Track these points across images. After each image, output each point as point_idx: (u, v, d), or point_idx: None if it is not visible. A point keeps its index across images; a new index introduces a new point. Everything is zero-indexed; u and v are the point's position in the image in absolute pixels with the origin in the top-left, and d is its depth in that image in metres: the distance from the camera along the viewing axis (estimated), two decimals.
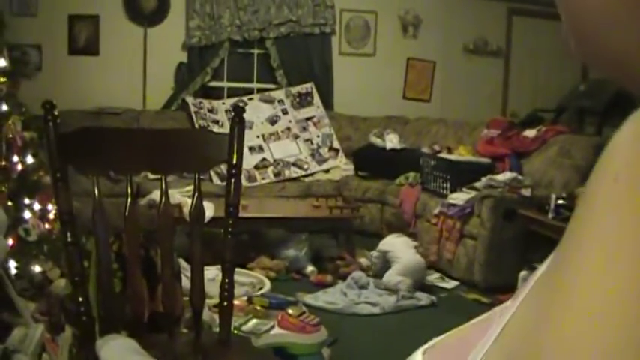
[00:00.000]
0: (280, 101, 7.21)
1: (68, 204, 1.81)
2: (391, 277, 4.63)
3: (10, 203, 3.35)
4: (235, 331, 3.31)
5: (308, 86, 7.36)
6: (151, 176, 5.05)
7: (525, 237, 4.59)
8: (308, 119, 7.21)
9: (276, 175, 6.67)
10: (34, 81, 6.29)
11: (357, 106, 7.50)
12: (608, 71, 0.38)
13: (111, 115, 6.57)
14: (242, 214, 2.21)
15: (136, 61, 7.07)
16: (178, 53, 7.19)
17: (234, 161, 1.94)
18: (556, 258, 0.31)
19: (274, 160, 6.77)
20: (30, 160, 3.66)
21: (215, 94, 7.38)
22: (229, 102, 6.99)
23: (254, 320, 3.70)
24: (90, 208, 1.85)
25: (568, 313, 0.28)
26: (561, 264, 0.30)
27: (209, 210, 3.98)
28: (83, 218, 2.10)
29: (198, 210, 1.97)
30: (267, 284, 4.52)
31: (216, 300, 2.24)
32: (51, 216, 3.66)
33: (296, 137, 7.04)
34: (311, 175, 6.80)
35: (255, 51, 7.59)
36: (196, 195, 1.95)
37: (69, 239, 1.81)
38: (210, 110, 6.92)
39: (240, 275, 4.39)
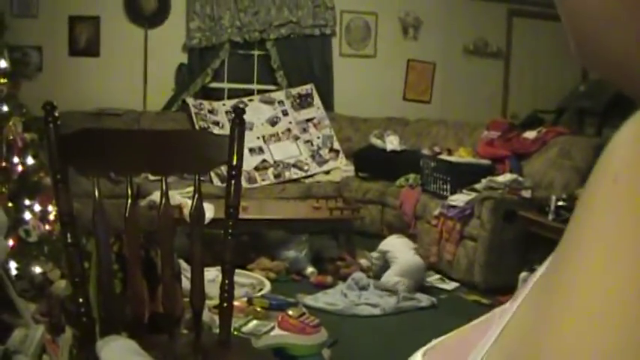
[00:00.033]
0: (280, 102, 7.21)
1: (68, 205, 1.81)
2: (389, 277, 4.64)
3: (10, 204, 3.35)
4: (235, 333, 3.31)
5: (308, 87, 7.37)
6: (152, 177, 5.05)
7: (525, 238, 4.59)
8: (308, 120, 7.21)
9: (276, 176, 6.67)
10: (34, 82, 6.30)
11: (357, 108, 7.50)
12: (607, 72, 0.38)
13: (111, 117, 6.57)
14: (242, 215, 2.22)
15: (137, 63, 7.08)
16: (179, 54, 7.19)
17: (235, 162, 1.94)
18: (555, 259, 0.32)
19: (274, 162, 6.77)
20: (30, 161, 3.66)
21: (215, 95, 7.38)
22: (230, 103, 7.00)
23: (254, 321, 3.70)
24: (90, 209, 1.85)
25: (567, 314, 0.28)
26: (560, 265, 0.30)
27: (209, 211, 3.98)
28: (83, 219, 2.10)
29: (198, 211, 1.97)
30: (268, 285, 4.52)
31: (216, 301, 2.24)
32: (51, 217, 3.66)
33: (296, 138, 7.04)
34: (311, 176, 6.80)
35: (256, 52, 7.60)
36: (196, 196, 1.95)
37: (69, 240, 1.81)
38: (211, 111, 6.93)
39: (241, 276, 4.39)
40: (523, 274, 4.32)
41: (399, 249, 4.76)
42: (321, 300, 4.40)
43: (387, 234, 5.03)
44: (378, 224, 6.08)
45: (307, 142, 7.06)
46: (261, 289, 4.44)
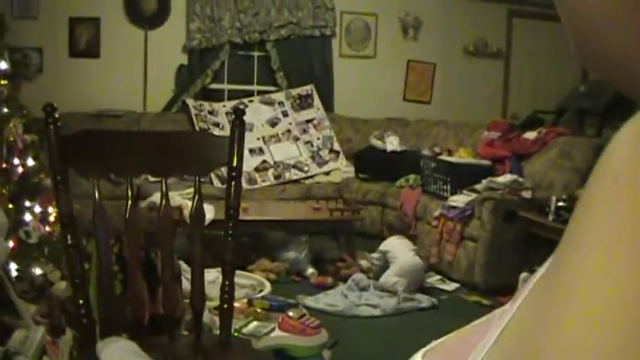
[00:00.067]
0: (280, 103, 7.22)
1: (69, 206, 1.81)
2: (388, 277, 4.64)
3: (10, 206, 3.35)
4: (236, 334, 3.31)
5: (308, 88, 7.37)
6: (152, 178, 5.05)
7: (526, 239, 4.59)
8: (308, 121, 7.21)
9: (276, 177, 6.67)
10: (34, 83, 6.32)
11: (357, 108, 7.50)
12: (607, 73, 0.38)
13: (111, 118, 6.58)
14: (242, 216, 2.22)
15: (137, 64, 7.08)
16: (179, 56, 7.20)
17: (235, 164, 1.94)
18: (555, 260, 0.31)
19: (274, 163, 6.77)
20: (31, 162, 3.66)
21: (215, 96, 7.39)
22: (230, 104, 7.00)
23: (254, 323, 3.70)
24: (90, 210, 1.85)
25: (567, 315, 0.28)
26: (560, 265, 0.30)
27: (209, 212, 3.98)
28: (84, 220, 2.10)
29: (198, 212, 1.97)
30: (268, 287, 4.52)
31: (216, 302, 2.24)
32: (51, 218, 3.66)
33: (296, 139, 7.04)
34: (311, 177, 6.80)
35: (256, 53, 7.60)
36: (197, 197, 1.95)
37: (69, 242, 1.81)
38: (211, 112, 6.93)
39: (241, 278, 4.39)
40: (523, 275, 4.32)
41: (398, 249, 4.76)
42: (321, 301, 4.40)
43: (388, 235, 5.03)
44: (379, 225, 6.08)
45: (307, 143, 7.06)
46: (261, 290, 4.44)
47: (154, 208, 4.43)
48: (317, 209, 5.49)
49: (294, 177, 6.74)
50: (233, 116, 1.99)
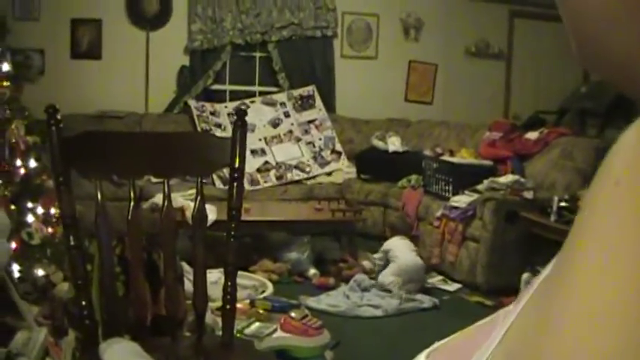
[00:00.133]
0: (282, 104, 7.22)
1: (71, 208, 1.81)
2: (385, 276, 4.65)
3: (12, 207, 3.35)
4: (238, 335, 3.31)
5: (310, 89, 7.37)
6: (154, 179, 5.05)
7: (528, 239, 4.59)
8: (310, 122, 7.21)
9: (278, 178, 6.67)
10: (36, 85, 6.33)
11: (359, 109, 7.50)
12: (608, 74, 0.38)
13: (113, 119, 6.58)
14: (244, 217, 2.22)
15: (139, 65, 7.08)
16: (181, 57, 7.20)
17: (237, 164, 1.95)
18: (558, 261, 0.32)
19: (276, 163, 6.77)
20: (33, 163, 3.66)
21: (217, 97, 7.39)
22: (231, 105, 7.00)
23: (257, 323, 3.71)
24: (93, 211, 1.86)
25: (568, 316, 0.28)
26: (563, 267, 0.30)
27: (212, 213, 3.98)
28: (86, 222, 2.10)
29: (200, 213, 1.97)
30: (270, 287, 4.52)
31: (218, 303, 2.25)
32: (54, 220, 3.66)
33: (298, 140, 7.04)
34: (313, 177, 6.80)
35: (257, 54, 7.60)
36: (199, 198, 1.95)
37: (72, 243, 1.82)
38: (213, 113, 6.93)
39: (243, 278, 4.39)
40: (525, 276, 4.33)
41: (399, 249, 4.77)
42: (323, 302, 4.40)
43: (390, 235, 5.03)
44: (380, 226, 6.08)
45: (309, 143, 7.06)
46: (263, 291, 4.44)
47: (156, 210, 4.43)
48: (319, 210, 5.49)
49: (296, 178, 6.74)
50: (235, 117, 1.99)
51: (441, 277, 5.07)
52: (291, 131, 7.08)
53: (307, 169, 6.84)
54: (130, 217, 1.89)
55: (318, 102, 7.34)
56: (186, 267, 3.10)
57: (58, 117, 1.80)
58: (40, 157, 3.70)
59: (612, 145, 0.31)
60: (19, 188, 3.48)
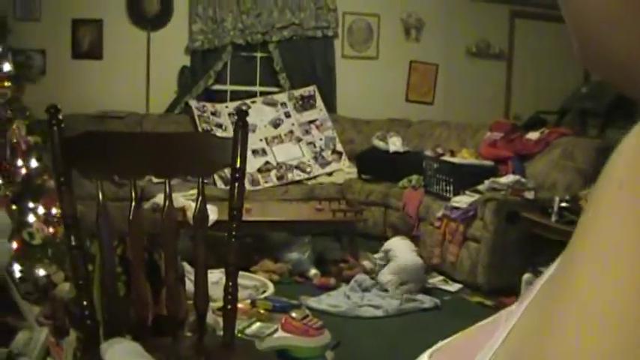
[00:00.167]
0: (283, 104, 7.22)
1: (72, 208, 1.82)
2: (383, 275, 4.66)
3: (14, 207, 3.35)
4: (239, 335, 3.32)
5: (311, 89, 7.37)
6: (155, 180, 5.05)
7: (529, 240, 4.59)
8: (311, 122, 7.22)
9: (279, 178, 6.67)
10: (38, 85, 6.33)
11: (359, 109, 7.51)
12: (609, 74, 0.38)
13: (114, 119, 6.58)
14: (245, 217, 2.22)
15: (140, 65, 7.09)
16: (181, 57, 7.20)
17: (238, 165, 1.95)
18: (562, 261, 0.32)
19: (277, 164, 6.77)
20: (34, 163, 3.66)
21: (218, 97, 7.39)
22: (232, 105, 7.01)
23: (258, 323, 3.71)
24: (94, 211, 1.86)
25: (571, 316, 0.28)
26: (567, 267, 0.30)
27: (213, 213, 3.98)
28: (87, 222, 2.10)
29: (202, 213, 1.97)
30: (271, 287, 4.52)
31: (220, 303, 2.25)
32: (55, 220, 3.66)
33: (299, 140, 7.05)
34: (314, 178, 6.81)
35: (258, 54, 7.61)
36: (200, 199, 1.96)
37: (73, 243, 1.82)
38: (214, 114, 6.93)
39: (244, 278, 4.39)
40: (526, 276, 4.32)
41: (399, 249, 4.78)
42: (324, 302, 4.40)
43: (391, 236, 5.04)
44: (381, 226, 6.08)
45: (310, 143, 7.06)
46: (264, 291, 4.45)
47: (158, 210, 4.43)
48: (320, 210, 5.49)
49: (297, 178, 6.74)
50: (236, 117, 2.00)
51: (441, 278, 5.07)
52: (291, 131, 7.08)
53: (308, 170, 6.84)
54: (131, 217, 1.89)
55: (319, 102, 7.34)
56: (187, 267, 3.10)
57: (60, 117, 1.80)
58: (42, 157, 3.70)
59: (613, 145, 0.31)
60: (21, 188, 3.49)
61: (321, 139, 7.13)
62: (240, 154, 1.95)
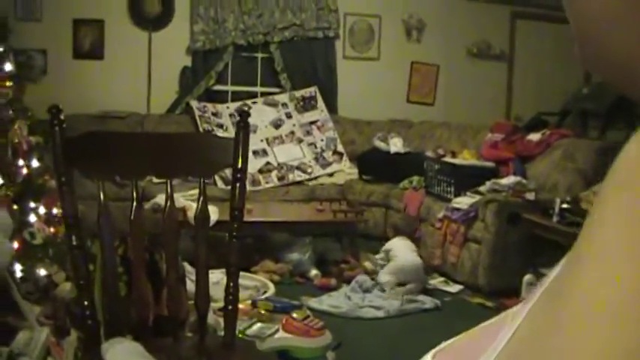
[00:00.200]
0: (284, 105, 7.22)
1: (73, 208, 1.82)
2: (381, 276, 4.67)
3: (15, 207, 3.36)
4: (240, 335, 3.32)
5: (312, 90, 7.37)
6: (156, 180, 5.05)
7: (530, 241, 4.59)
8: (312, 123, 7.22)
9: (280, 178, 6.67)
10: (39, 85, 6.33)
11: (360, 110, 7.51)
12: (609, 75, 0.38)
13: (115, 119, 6.59)
14: (246, 217, 2.22)
15: (141, 66, 7.09)
16: (183, 57, 7.20)
17: (240, 165, 1.95)
18: (567, 263, 0.32)
19: (278, 164, 6.77)
20: (35, 163, 3.67)
21: (219, 98, 7.39)
22: (233, 106, 7.01)
23: (258, 324, 3.71)
24: (94, 211, 1.86)
25: (576, 317, 0.28)
26: (571, 269, 0.31)
27: (214, 214, 3.98)
28: (88, 222, 2.11)
29: (203, 214, 1.97)
30: (272, 288, 4.52)
31: (220, 304, 2.25)
32: (56, 219, 3.66)
33: (300, 141, 7.05)
34: (315, 178, 6.81)
35: (259, 55, 7.60)
36: (201, 199, 1.96)
37: (74, 243, 1.82)
38: (215, 114, 6.94)
39: (245, 279, 4.39)
40: (527, 277, 4.33)
41: (399, 249, 4.79)
42: (325, 302, 4.40)
43: (392, 236, 5.04)
44: (382, 227, 6.08)
45: (311, 144, 7.06)
46: (265, 292, 4.45)
47: (158, 210, 4.44)
48: (320, 211, 5.49)
49: (298, 178, 6.74)
50: (237, 118, 2.00)
51: (442, 279, 5.07)
52: (292, 132, 7.08)
53: (309, 170, 6.84)
54: (132, 217, 1.89)
55: (320, 103, 7.34)
56: (188, 267, 3.10)
57: (61, 117, 1.80)
58: (43, 157, 3.71)
59: (614, 146, 0.31)
60: (22, 188, 3.49)
61: (322, 140, 7.13)
62: (242, 154, 1.95)
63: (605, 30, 0.35)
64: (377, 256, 5.01)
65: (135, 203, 1.90)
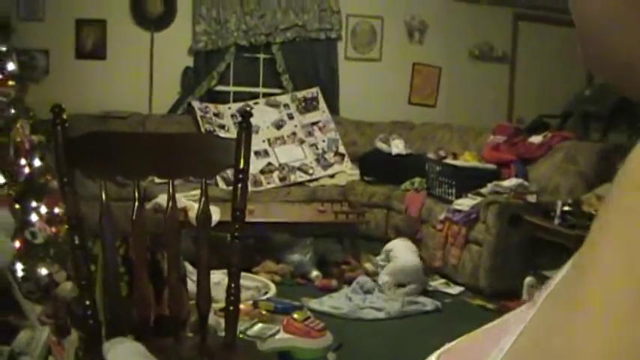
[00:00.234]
0: (286, 106, 7.22)
1: (76, 208, 1.82)
2: (380, 277, 4.68)
3: (17, 206, 3.36)
4: (241, 336, 3.32)
5: (314, 91, 7.37)
6: (157, 180, 5.06)
7: (531, 243, 4.59)
8: (313, 124, 7.22)
9: (281, 179, 6.68)
10: (41, 85, 6.33)
11: (362, 111, 7.51)
12: (611, 75, 0.38)
13: (117, 119, 6.59)
14: (248, 218, 2.22)
15: (143, 66, 7.10)
16: (185, 58, 7.21)
17: (242, 166, 1.95)
18: (577, 263, 0.32)
19: (280, 165, 6.78)
20: (37, 163, 3.67)
21: (221, 98, 7.39)
22: (235, 106, 7.02)
23: (259, 324, 3.71)
24: (96, 211, 1.86)
25: (585, 318, 0.28)
26: (579, 271, 0.31)
27: (215, 214, 3.99)
28: (90, 222, 2.11)
29: (205, 214, 1.97)
30: (273, 289, 4.52)
31: (221, 304, 2.25)
32: (57, 219, 3.67)
33: (301, 142, 7.05)
34: (316, 179, 6.81)
35: (261, 55, 7.61)
36: (203, 199, 1.96)
37: (76, 243, 1.82)
38: (216, 115, 6.94)
39: (246, 279, 4.39)
40: (528, 279, 4.33)
41: (399, 249, 4.79)
42: (325, 304, 4.40)
43: (393, 238, 5.04)
44: (384, 228, 6.08)
45: (312, 145, 7.07)
46: (266, 292, 4.45)
47: (160, 210, 4.45)
48: (322, 212, 5.50)
49: (299, 179, 6.75)
50: (239, 118, 2.00)
51: (443, 280, 5.06)
52: (294, 133, 7.08)
53: (310, 171, 6.84)
54: (134, 217, 1.89)
55: (322, 104, 7.35)
56: (189, 268, 3.10)
57: (64, 117, 1.80)
58: (45, 157, 3.71)
59: (616, 149, 0.31)
60: (24, 187, 3.49)
61: (323, 141, 7.13)
62: (244, 155, 1.95)
63: (606, 30, 0.35)
64: (378, 257, 5.01)
65: (137, 203, 1.90)
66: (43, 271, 3.36)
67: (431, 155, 6.21)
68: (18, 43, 4.41)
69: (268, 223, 5.20)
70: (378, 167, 6.61)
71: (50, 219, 3.62)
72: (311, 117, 7.25)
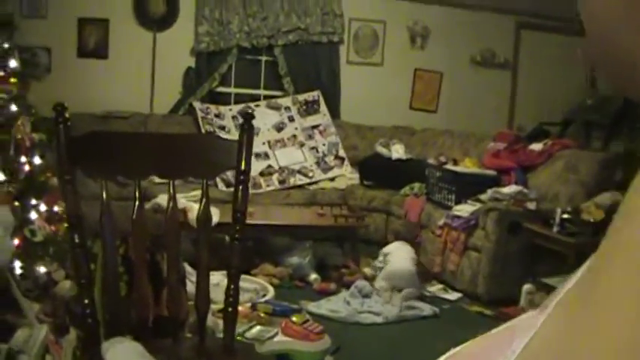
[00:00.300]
0: (287, 108, 7.23)
1: (76, 207, 1.82)
2: (377, 281, 4.69)
3: (16, 203, 3.36)
4: (239, 338, 3.32)
5: (315, 94, 7.38)
6: (157, 180, 5.05)
7: (530, 250, 4.59)
8: (314, 127, 7.22)
9: (281, 182, 6.67)
10: (43, 83, 6.34)
11: (363, 115, 7.51)
12: (613, 74, 0.38)
13: (118, 119, 6.59)
14: (247, 220, 2.22)
15: (145, 66, 7.10)
16: (187, 58, 7.21)
17: (243, 167, 1.95)
18: (590, 268, 0.32)
19: (280, 167, 6.77)
20: (38, 161, 3.67)
21: (222, 99, 7.40)
22: (236, 108, 7.02)
23: (258, 327, 3.71)
24: (96, 211, 1.86)
25: (598, 321, 0.28)
26: (595, 274, 0.30)
27: (215, 216, 3.98)
28: (90, 221, 2.11)
29: (205, 215, 1.97)
30: (271, 291, 4.52)
31: (219, 305, 2.25)
32: (57, 217, 3.67)
33: (302, 145, 7.05)
34: (316, 183, 6.81)
35: (263, 58, 7.61)
36: (204, 200, 1.96)
37: (76, 241, 1.82)
38: (217, 116, 6.94)
39: (244, 281, 4.39)
40: (527, 287, 4.33)
41: (395, 253, 4.80)
42: (324, 307, 4.40)
43: (393, 242, 5.05)
44: (383, 232, 6.08)
45: (313, 148, 7.07)
46: (264, 295, 4.45)
47: (159, 210, 4.44)
48: (321, 215, 5.49)
49: (299, 182, 6.74)
50: (239, 120, 2.00)
51: (441, 286, 5.06)
52: (295, 136, 7.08)
53: (310, 174, 6.84)
54: (135, 217, 1.89)
55: (323, 107, 7.35)
56: (188, 269, 3.10)
57: (66, 115, 1.80)
58: (45, 155, 3.71)
59: (617, 157, 0.31)
60: (24, 185, 3.49)
61: (324, 145, 7.13)
62: (245, 156, 1.95)
63: (607, 29, 0.35)
64: (376, 261, 5.01)
65: (137, 203, 1.90)
66: (42, 270, 3.36)
67: (431, 161, 6.21)
68: (20, 40, 4.42)
69: (267, 225, 5.19)
70: (378, 172, 6.61)
71: (50, 217, 3.62)
72: (312, 120, 7.25)
